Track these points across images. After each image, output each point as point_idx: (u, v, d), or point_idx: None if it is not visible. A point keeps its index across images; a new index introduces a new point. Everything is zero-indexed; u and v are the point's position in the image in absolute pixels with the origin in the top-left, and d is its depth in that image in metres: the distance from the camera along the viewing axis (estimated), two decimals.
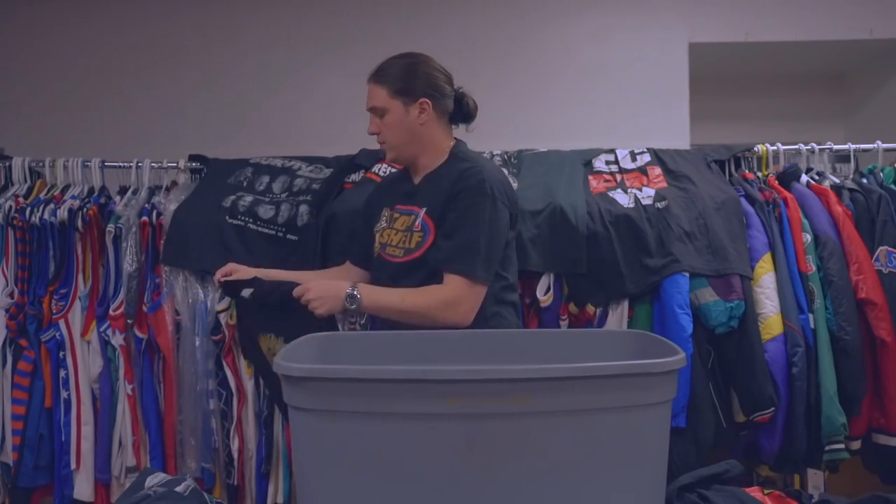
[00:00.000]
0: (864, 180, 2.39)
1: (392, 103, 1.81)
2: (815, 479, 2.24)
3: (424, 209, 1.80)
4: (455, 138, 1.90)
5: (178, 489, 1.29)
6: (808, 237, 2.23)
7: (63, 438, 2.21)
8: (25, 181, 2.38)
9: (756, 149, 2.44)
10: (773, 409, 2.10)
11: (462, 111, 1.89)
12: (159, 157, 2.41)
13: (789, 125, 4.32)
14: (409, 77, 1.82)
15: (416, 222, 1.80)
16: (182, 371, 2.19)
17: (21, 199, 2.30)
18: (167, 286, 2.18)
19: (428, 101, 1.82)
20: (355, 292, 1.74)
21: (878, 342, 2.18)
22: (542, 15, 3.56)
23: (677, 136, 3.37)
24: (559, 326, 2.16)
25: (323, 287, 1.78)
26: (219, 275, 1.90)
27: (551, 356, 1.34)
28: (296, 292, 1.77)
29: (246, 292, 1.87)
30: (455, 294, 1.72)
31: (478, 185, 1.75)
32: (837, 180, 2.41)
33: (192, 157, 2.43)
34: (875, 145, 2.47)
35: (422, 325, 1.68)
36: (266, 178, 2.35)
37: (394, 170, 2.19)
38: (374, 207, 1.96)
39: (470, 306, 1.73)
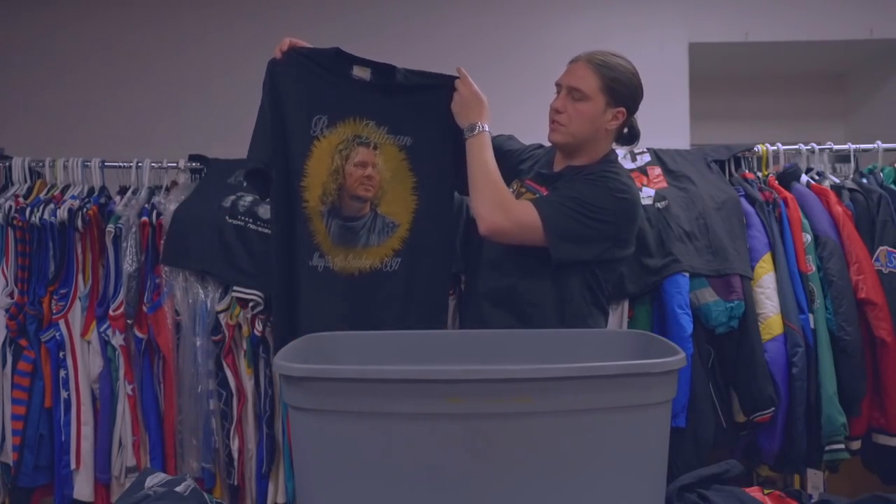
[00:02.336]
0: (864, 180, 2.39)
1: (598, 96, 1.77)
2: (815, 479, 2.24)
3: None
4: (611, 148, 1.88)
5: (178, 489, 1.29)
6: (808, 237, 2.23)
7: (63, 438, 2.21)
8: (25, 181, 2.38)
9: (756, 149, 2.44)
10: (772, 409, 2.10)
11: (631, 133, 1.89)
12: (159, 157, 2.41)
13: (789, 125, 4.32)
14: (625, 81, 1.79)
15: None
16: (182, 371, 2.18)
17: (21, 199, 2.30)
18: (167, 286, 2.18)
19: (625, 112, 1.80)
20: (485, 129, 1.77)
21: (878, 342, 2.18)
22: (542, 14, 3.56)
23: (677, 136, 3.37)
24: None
25: (477, 96, 1.81)
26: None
27: (551, 356, 1.34)
28: (460, 72, 1.83)
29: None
30: (521, 213, 1.70)
31: (615, 191, 1.73)
32: (837, 180, 2.41)
33: (192, 157, 2.42)
34: (875, 145, 2.47)
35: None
36: None
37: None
38: (517, 165, 1.96)
39: (512, 225, 1.69)
